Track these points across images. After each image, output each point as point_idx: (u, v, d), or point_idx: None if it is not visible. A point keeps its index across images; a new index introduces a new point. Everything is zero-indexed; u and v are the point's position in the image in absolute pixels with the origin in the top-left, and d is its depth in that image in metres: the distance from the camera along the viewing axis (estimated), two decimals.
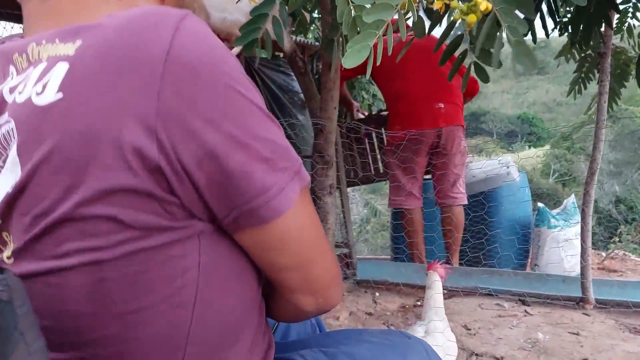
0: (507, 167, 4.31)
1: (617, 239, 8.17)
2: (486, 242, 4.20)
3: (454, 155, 4.06)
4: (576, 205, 4.25)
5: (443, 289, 3.83)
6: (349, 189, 6.16)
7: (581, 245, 3.54)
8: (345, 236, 4.32)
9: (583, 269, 3.50)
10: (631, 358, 2.78)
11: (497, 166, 4.38)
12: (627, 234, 8.48)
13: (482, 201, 4.24)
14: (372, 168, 5.03)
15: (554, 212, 4.30)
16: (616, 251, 5.50)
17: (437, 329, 2.15)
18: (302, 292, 0.81)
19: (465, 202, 4.15)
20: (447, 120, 4.02)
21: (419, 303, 3.68)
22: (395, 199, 4.15)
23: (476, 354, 2.84)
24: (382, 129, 4.67)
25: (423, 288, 3.87)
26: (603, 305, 3.46)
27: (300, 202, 0.72)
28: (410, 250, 4.17)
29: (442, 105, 3.98)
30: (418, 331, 2.16)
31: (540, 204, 4.31)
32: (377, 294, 3.84)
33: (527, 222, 4.44)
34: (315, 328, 1.23)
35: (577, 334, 3.06)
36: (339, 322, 3.36)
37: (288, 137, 4.80)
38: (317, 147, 3.84)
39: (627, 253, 5.52)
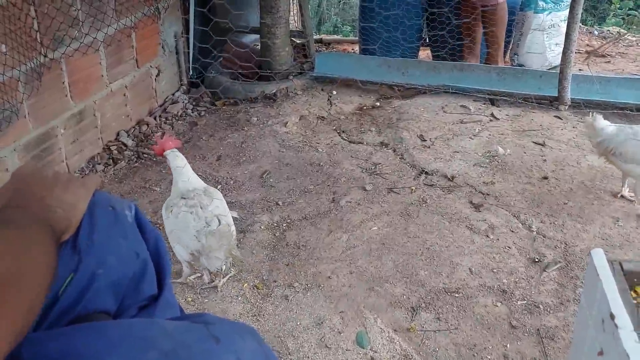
0: None
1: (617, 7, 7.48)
2: (465, 31, 3.67)
3: None
4: None
5: (402, 87, 3.47)
6: None
7: (566, 37, 3.08)
8: (301, 23, 3.79)
9: (563, 66, 3.09)
10: (594, 174, 2.56)
11: None
12: None
13: None
14: None
15: None
16: (609, 29, 4.97)
17: None
18: None
19: None
20: None
21: (378, 104, 3.35)
22: None
23: (425, 172, 2.61)
24: None
25: (386, 86, 3.51)
26: (579, 105, 3.14)
27: None
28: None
29: None
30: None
31: None
32: (334, 92, 3.47)
33: (513, 5, 3.84)
34: (146, 267, 0.91)
35: (543, 145, 2.79)
36: (287, 128, 3.07)
37: None
38: None
39: (622, 30, 5.00)
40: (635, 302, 0.93)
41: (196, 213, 1.84)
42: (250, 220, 2.33)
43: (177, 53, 3.60)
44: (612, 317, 0.84)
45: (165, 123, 3.28)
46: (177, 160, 1.97)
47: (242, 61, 3.59)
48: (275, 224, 2.31)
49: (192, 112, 3.40)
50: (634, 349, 0.77)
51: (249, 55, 3.66)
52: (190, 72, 3.69)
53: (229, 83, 3.54)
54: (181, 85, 3.66)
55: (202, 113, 3.38)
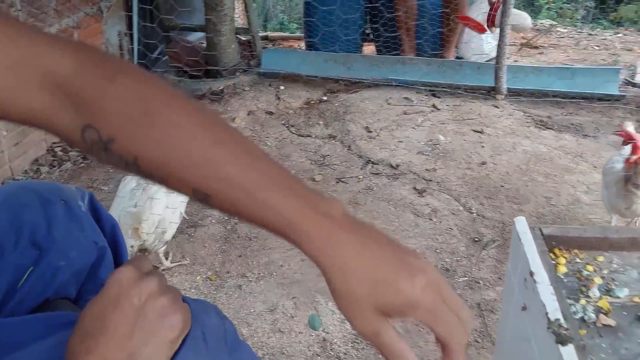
0: None
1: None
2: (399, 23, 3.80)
3: None
4: None
5: (348, 81, 3.56)
6: None
7: (500, 30, 3.23)
8: (247, 20, 3.82)
9: (499, 57, 3.25)
10: (528, 158, 2.70)
11: None
12: None
13: None
14: None
15: None
16: (542, 22, 5.23)
17: None
18: None
19: None
20: None
21: (324, 98, 3.42)
22: None
23: (372, 162, 2.70)
24: None
25: (332, 80, 3.59)
26: (515, 95, 3.31)
27: None
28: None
29: None
30: None
31: None
32: (281, 87, 3.53)
33: None
34: (104, 254, 0.94)
35: (481, 132, 2.94)
36: (236, 124, 3.11)
37: None
38: None
39: (553, 22, 5.26)
40: (553, 262, 1.03)
41: (134, 193, 1.85)
42: (201, 214, 2.36)
43: (121, 51, 3.57)
44: (531, 274, 0.93)
45: None
46: None
47: (189, 57, 3.60)
48: (226, 217, 2.35)
49: None
50: (549, 299, 0.87)
51: (195, 51, 3.67)
52: None
53: (175, 81, 3.54)
54: None
55: None
